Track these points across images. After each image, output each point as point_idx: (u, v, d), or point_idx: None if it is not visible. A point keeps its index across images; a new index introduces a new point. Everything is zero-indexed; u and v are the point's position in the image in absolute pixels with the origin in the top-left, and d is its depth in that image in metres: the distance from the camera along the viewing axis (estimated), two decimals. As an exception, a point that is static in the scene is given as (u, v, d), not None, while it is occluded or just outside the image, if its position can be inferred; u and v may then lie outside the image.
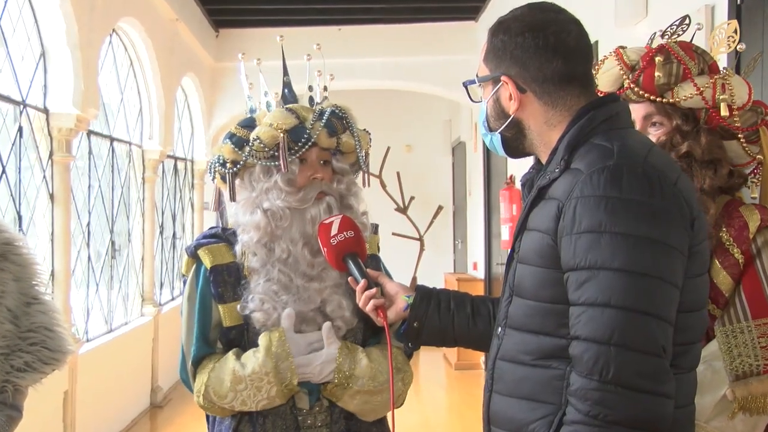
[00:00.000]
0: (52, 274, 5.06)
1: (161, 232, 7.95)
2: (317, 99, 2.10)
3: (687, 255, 1.41)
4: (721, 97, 1.85)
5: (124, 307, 6.85)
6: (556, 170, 1.46)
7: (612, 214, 1.35)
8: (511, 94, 1.53)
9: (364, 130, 2.12)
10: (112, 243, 6.52)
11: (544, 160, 1.56)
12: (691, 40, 2.00)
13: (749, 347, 1.77)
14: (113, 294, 6.55)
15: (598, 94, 1.93)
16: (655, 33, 2.05)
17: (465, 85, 1.66)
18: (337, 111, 2.04)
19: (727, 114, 1.86)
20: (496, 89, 1.56)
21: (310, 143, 1.98)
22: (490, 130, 1.61)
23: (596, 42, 4.88)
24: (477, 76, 1.61)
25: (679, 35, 2.01)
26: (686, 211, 1.41)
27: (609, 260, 1.34)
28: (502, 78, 1.54)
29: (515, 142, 1.59)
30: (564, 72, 1.50)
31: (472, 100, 1.67)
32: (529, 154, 1.62)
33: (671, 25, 2.04)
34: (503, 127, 1.57)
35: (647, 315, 1.34)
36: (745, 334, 1.77)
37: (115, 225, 6.60)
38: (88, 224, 5.98)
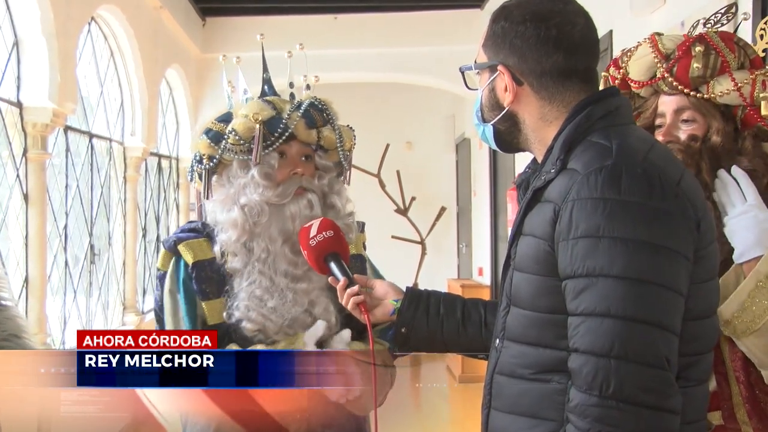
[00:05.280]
0: (26, 280, 5.05)
1: (144, 235, 7.94)
2: (299, 96, 2.14)
3: (692, 259, 1.41)
4: (762, 95, 1.83)
5: (104, 315, 6.84)
6: (552, 170, 1.47)
7: (610, 217, 1.36)
8: (506, 85, 1.54)
9: (348, 126, 2.15)
10: (91, 247, 6.51)
11: (539, 159, 1.56)
12: (735, 30, 1.98)
13: None
14: (92, 302, 6.54)
15: (631, 84, 1.93)
16: (698, 21, 2.03)
17: (462, 70, 1.67)
18: (316, 103, 2.07)
19: None
20: (492, 78, 1.57)
21: (286, 134, 2.01)
22: (484, 120, 1.62)
23: (610, 31, 4.87)
24: (475, 62, 1.61)
25: (723, 24, 2.00)
26: (690, 213, 1.41)
27: (608, 267, 1.35)
28: (499, 67, 1.54)
29: (509, 136, 1.60)
30: (564, 67, 1.51)
31: (468, 87, 1.68)
32: (522, 150, 1.63)
33: (715, 14, 2.03)
34: (497, 119, 1.58)
35: (649, 324, 1.34)
36: None
37: (95, 227, 6.59)
38: (65, 227, 5.97)
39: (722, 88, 1.85)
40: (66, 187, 6.01)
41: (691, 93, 1.86)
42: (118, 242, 7.15)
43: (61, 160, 5.96)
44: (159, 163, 8.51)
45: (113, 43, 7.02)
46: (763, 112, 1.84)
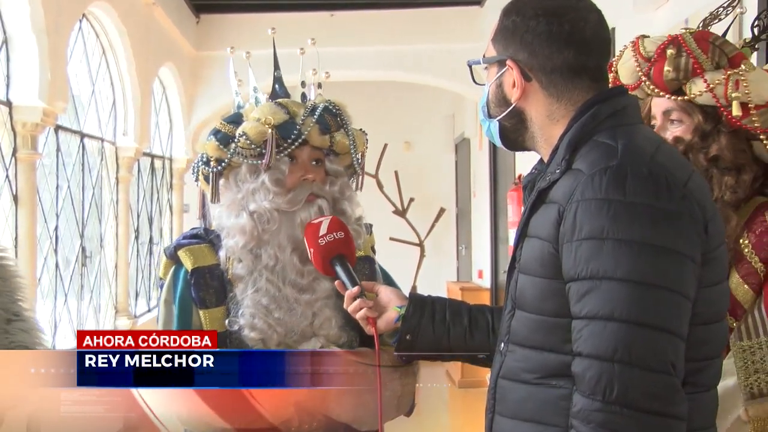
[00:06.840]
0: (16, 283, 5.04)
1: (136, 237, 7.94)
2: (310, 96, 2.12)
3: (700, 262, 1.40)
4: (733, 94, 1.83)
5: (96, 319, 6.84)
6: (557, 171, 1.47)
7: (615, 218, 1.36)
8: (515, 81, 1.54)
9: (360, 129, 2.13)
10: (83, 249, 6.51)
11: (545, 158, 1.57)
12: (730, 25, 1.98)
13: (767, 364, 1.76)
14: (83, 305, 6.54)
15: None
16: (686, 20, 2.03)
17: (470, 64, 1.68)
18: (330, 107, 2.05)
19: (740, 114, 1.83)
20: (500, 73, 1.57)
21: (300, 140, 1.99)
22: (490, 116, 1.62)
23: (613, 29, 4.87)
24: (483, 56, 1.62)
25: (720, 19, 2.00)
26: (698, 215, 1.41)
27: (612, 269, 1.35)
28: (508, 62, 1.54)
29: (514, 134, 1.60)
30: (574, 64, 1.51)
31: (475, 81, 1.69)
32: (528, 149, 1.62)
33: (717, 8, 2.03)
34: (503, 115, 1.58)
35: (654, 329, 1.34)
36: (763, 350, 1.77)
37: (86, 229, 6.59)
38: (56, 228, 5.97)
39: (696, 90, 1.85)
40: (57, 187, 6.01)
41: (671, 96, 1.88)
42: (110, 244, 7.15)
43: (51, 160, 5.96)
44: (152, 164, 8.51)
45: (105, 41, 7.02)
46: (734, 112, 1.83)
